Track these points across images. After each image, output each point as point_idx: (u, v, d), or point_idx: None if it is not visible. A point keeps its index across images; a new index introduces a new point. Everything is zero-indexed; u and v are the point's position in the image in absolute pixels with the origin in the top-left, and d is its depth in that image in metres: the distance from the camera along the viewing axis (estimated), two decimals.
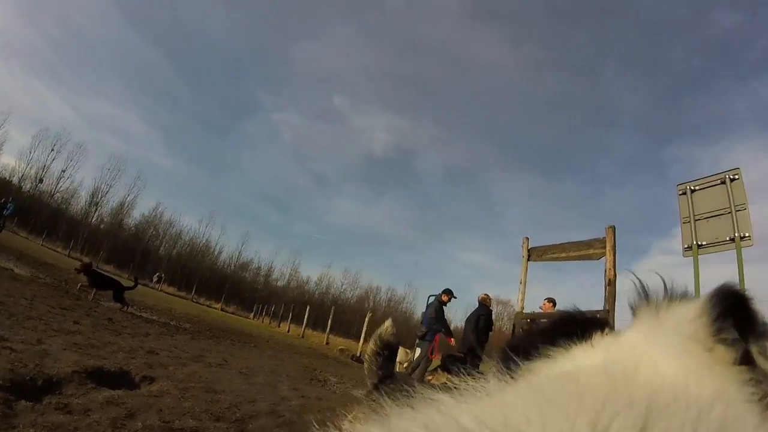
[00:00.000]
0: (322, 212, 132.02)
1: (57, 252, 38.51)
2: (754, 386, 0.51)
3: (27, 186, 60.06)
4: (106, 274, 12.86)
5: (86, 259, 13.67)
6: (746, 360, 0.57)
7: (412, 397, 0.47)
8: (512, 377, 0.56)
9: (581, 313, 0.75)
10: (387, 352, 2.40)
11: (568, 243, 11.37)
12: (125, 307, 11.15)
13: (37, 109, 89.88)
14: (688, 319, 0.62)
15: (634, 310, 0.71)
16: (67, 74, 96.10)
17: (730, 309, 0.61)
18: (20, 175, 60.19)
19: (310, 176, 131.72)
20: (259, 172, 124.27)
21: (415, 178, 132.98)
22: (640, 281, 0.73)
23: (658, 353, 0.56)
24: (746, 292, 0.65)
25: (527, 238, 12.31)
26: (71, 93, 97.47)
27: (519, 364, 0.62)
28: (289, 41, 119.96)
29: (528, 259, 11.94)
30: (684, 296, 0.69)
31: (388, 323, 2.53)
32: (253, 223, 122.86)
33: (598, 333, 0.67)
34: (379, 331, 2.49)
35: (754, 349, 0.62)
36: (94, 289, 11.13)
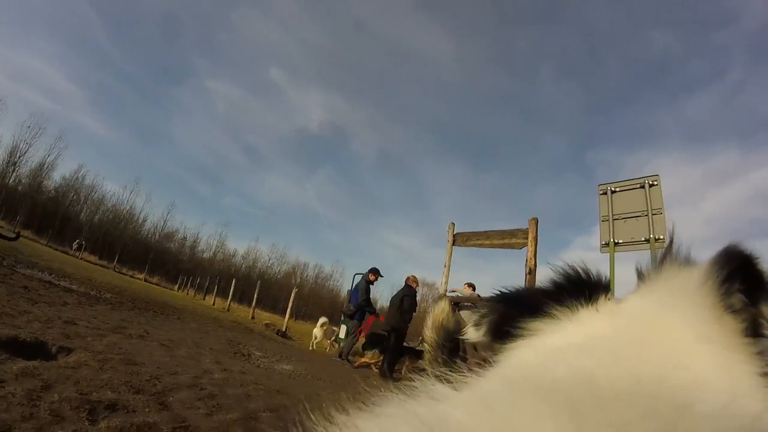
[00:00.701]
0: (252, 186, 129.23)
1: None
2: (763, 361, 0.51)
3: None
4: None
5: None
6: (755, 330, 0.56)
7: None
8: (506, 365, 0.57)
9: (588, 272, 0.72)
10: (451, 343, 2.10)
11: (493, 231, 11.97)
12: None
13: None
14: (694, 285, 0.60)
15: (640, 274, 0.71)
16: None
17: (736, 271, 0.58)
18: None
19: (242, 149, 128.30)
20: (189, 141, 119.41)
21: (349, 159, 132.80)
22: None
23: (667, 326, 0.55)
24: (753, 251, 0.62)
25: (453, 224, 12.81)
26: None
27: (520, 324, 0.64)
28: (230, 4, 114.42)
29: (453, 244, 12.49)
30: (688, 259, 0.68)
31: (443, 305, 2.21)
32: (180, 193, 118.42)
33: (603, 296, 0.66)
34: (436, 316, 2.15)
35: (764, 311, 0.59)
36: None
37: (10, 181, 59.80)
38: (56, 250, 37.60)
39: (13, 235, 12.39)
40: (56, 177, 68.60)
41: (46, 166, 64.70)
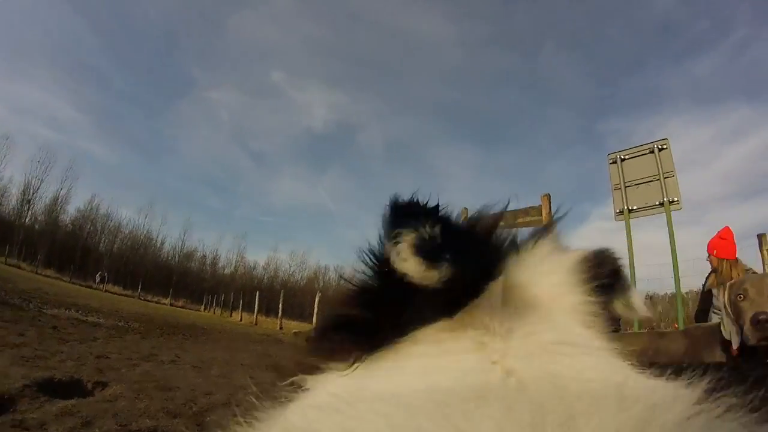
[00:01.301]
0: (263, 193, 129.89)
1: None
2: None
3: None
4: None
5: None
6: (611, 324, 0.62)
7: None
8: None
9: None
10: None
11: (506, 211, 11.89)
12: None
13: None
14: (564, 275, 0.64)
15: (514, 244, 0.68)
16: None
17: (601, 269, 0.66)
18: None
19: (249, 156, 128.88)
20: (196, 154, 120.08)
21: (358, 154, 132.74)
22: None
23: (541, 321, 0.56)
24: (617, 254, 0.71)
25: (466, 209, 12.73)
26: None
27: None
28: (224, 12, 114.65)
29: None
30: (563, 245, 0.70)
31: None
32: (193, 209, 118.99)
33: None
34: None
35: (618, 304, 0.69)
36: None
37: (27, 220, 60.44)
38: (80, 285, 38.22)
39: None
40: (71, 210, 68.90)
41: (60, 200, 65.32)
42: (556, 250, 0.67)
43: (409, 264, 0.51)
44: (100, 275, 46.81)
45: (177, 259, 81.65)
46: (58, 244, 60.69)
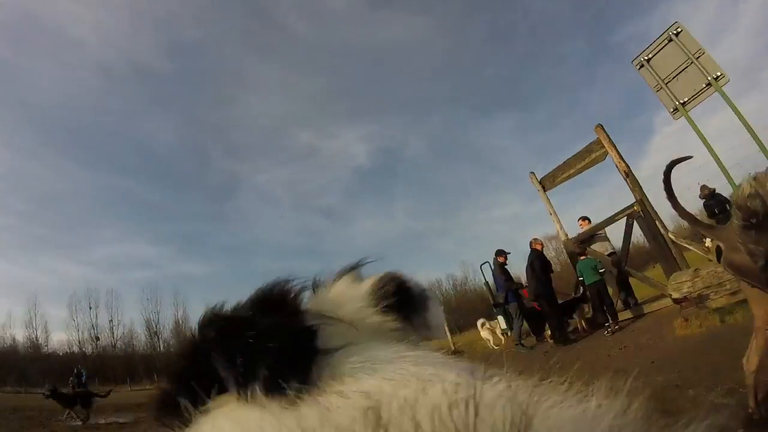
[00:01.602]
0: (348, 240, 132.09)
1: (146, 390, 39.71)
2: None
3: (89, 348, 63.01)
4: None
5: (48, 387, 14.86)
6: (410, 336, 0.68)
7: None
8: None
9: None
10: (756, 219, 1.95)
11: (570, 158, 11.68)
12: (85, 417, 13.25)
13: (55, 281, 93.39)
14: (359, 302, 0.70)
15: (315, 285, 0.72)
16: (61, 238, 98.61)
17: (392, 290, 0.72)
18: (78, 342, 63.33)
19: (319, 215, 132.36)
20: (274, 235, 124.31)
21: (412, 167, 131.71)
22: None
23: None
24: (404, 275, 0.77)
25: (533, 173, 12.67)
26: (75, 251, 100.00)
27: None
28: (230, 107, 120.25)
29: (545, 190, 12.42)
30: (359, 275, 0.76)
31: (747, 182, 2.01)
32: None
33: None
34: (736, 199, 2.03)
35: (416, 324, 0.74)
36: (68, 410, 13.22)
37: (160, 348, 66.08)
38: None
39: (104, 394, 15.07)
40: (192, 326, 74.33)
41: (180, 322, 70.06)
42: (353, 283, 0.73)
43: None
44: None
45: None
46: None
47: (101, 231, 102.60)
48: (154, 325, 68.44)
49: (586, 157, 11.16)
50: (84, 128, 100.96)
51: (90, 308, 65.38)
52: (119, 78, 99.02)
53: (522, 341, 11.03)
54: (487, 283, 14.35)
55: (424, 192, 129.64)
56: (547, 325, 10.58)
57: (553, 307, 10.16)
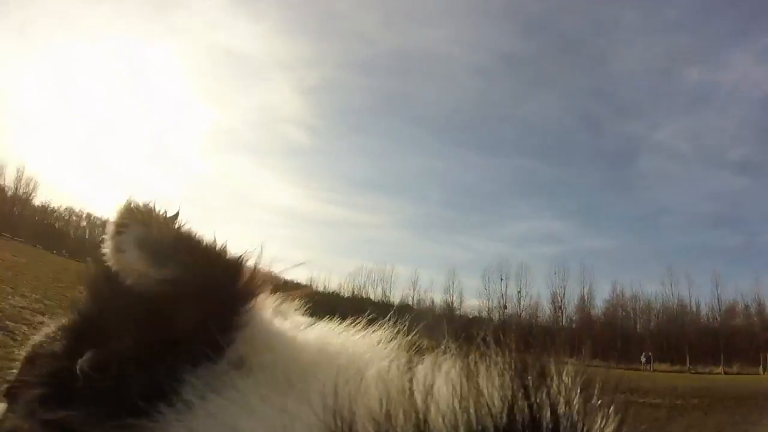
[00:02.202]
0: None
1: None
2: None
3: (495, 315, 71.44)
4: None
5: None
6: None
7: None
8: None
9: None
10: None
11: None
12: None
13: (471, 255, 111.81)
14: None
15: None
16: (474, 219, 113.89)
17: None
18: (487, 309, 73.22)
19: (734, 171, 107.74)
20: (681, 201, 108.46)
21: None
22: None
23: None
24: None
25: None
26: (487, 229, 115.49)
27: None
28: (603, 66, 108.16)
29: None
30: None
31: None
32: (712, 258, 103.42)
33: None
34: None
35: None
36: None
37: (563, 323, 69.97)
38: (625, 368, 39.05)
39: None
40: (598, 303, 74.23)
41: (585, 298, 72.34)
42: None
43: (128, 255, 0.50)
44: (644, 356, 47.01)
45: (718, 319, 72.58)
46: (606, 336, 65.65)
47: (510, 210, 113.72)
48: (559, 299, 72.22)
49: None
50: (478, 123, 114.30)
51: (501, 279, 74.24)
52: (492, 71, 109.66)
53: None
54: None
55: None
56: None
57: None
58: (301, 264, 0.77)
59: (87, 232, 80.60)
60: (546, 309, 72.96)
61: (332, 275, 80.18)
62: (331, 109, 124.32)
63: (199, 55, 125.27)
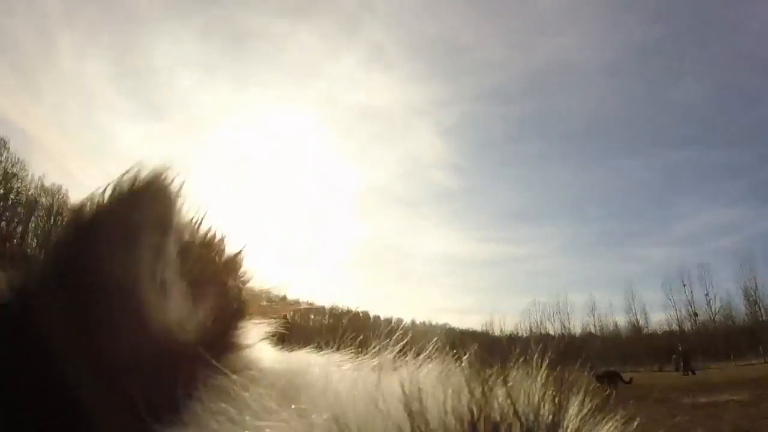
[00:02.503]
0: None
1: (751, 365, 39.35)
2: None
3: (687, 325, 66.67)
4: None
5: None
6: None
7: None
8: None
9: None
10: None
11: None
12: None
13: (643, 266, 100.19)
14: None
15: None
16: (632, 227, 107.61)
17: None
18: (677, 320, 67.15)
19: None
20: None
21: None
22: None
23: None
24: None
25: None
26: (651, 236, 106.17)
27: None
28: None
29: None
30: None
31: None
32: None
33: None
34: None
35: None
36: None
37: (762, 317, 61.26)
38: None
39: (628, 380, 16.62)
40: None
41: None
42: None
43: None
44: None
45: None
46: None
47: (674, 208, 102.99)
48: (752, 293, 64.22)
49: None
50: (621, 125, 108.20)
51: (683, 285, 67.94)
52: (627, 67, 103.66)
53: None
54: None
55: None
56: None
57: None
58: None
59: None
60: (741, 306, 64.90)
61: (506, 316, 74.27)
62: (472, 145, 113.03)
63: (340, 117, 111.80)
